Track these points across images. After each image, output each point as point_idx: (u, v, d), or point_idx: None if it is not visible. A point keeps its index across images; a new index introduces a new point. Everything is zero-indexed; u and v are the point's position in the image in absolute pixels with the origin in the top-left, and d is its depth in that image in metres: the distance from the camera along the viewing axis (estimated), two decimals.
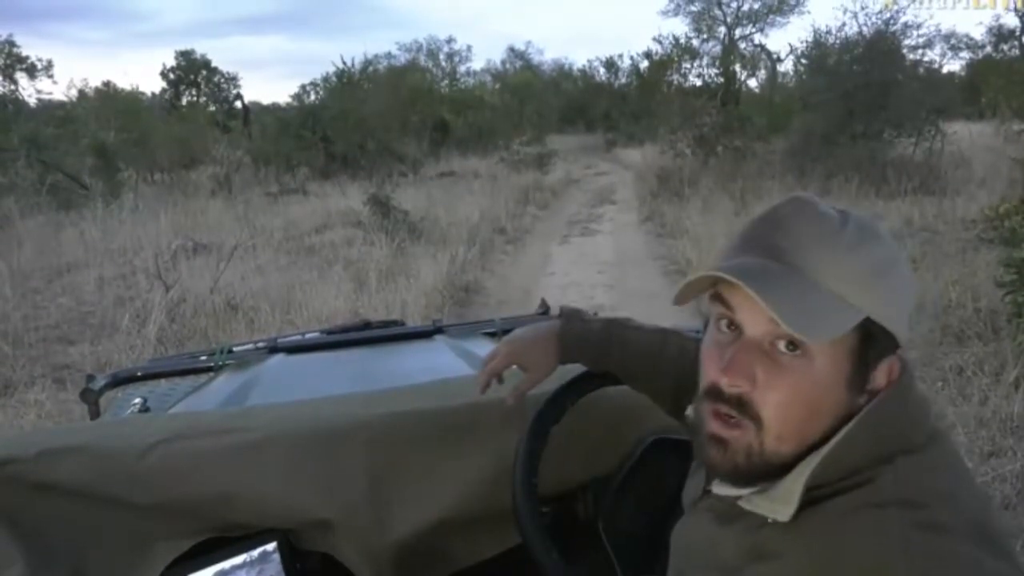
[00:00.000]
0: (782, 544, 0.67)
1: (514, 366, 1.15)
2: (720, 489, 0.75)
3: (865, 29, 13.44)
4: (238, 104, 31.25)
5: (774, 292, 0.65)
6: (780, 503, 0.67)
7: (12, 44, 21.47)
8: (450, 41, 33.68)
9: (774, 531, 0.68)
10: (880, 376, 0.69)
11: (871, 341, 0.67)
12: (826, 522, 0.65)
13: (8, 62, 21.23)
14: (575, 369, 1.16)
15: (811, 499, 0.67)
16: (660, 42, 25.47)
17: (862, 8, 13.51)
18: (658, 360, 1.08)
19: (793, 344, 0.66)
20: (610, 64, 35.19)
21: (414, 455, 1.17)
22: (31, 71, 21.84)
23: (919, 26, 13.11)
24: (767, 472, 0.69)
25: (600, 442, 1.22)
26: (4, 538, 1.03)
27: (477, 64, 35.99)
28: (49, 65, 22.23)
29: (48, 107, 18.38)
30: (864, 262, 0.66)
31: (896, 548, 0.61)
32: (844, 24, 13.81)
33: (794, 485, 0.66)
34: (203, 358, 1.96)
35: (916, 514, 0.63)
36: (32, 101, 20.09)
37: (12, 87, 21.31)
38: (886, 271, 0.67)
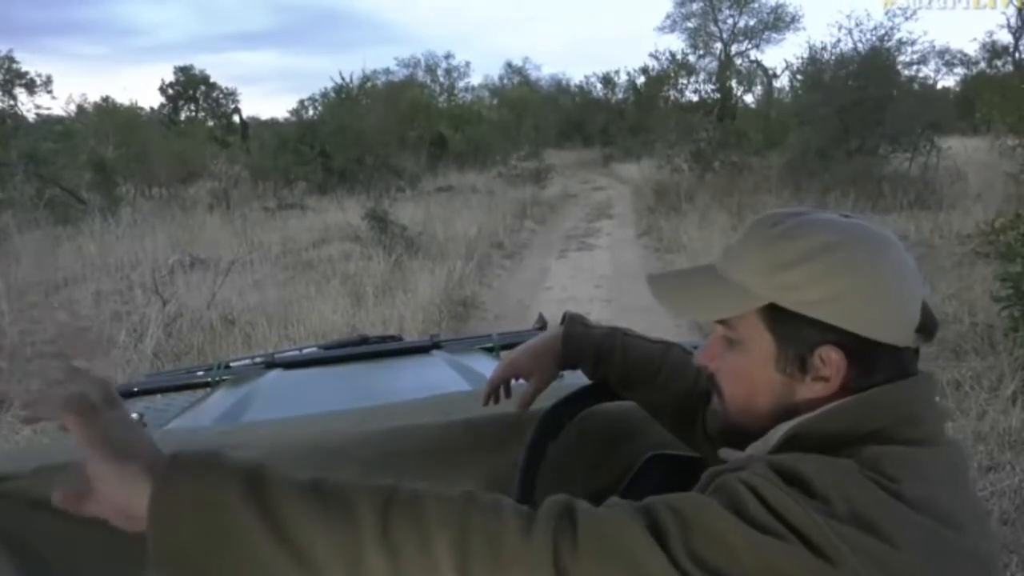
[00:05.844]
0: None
1: (520, 380, 1.16)
2: (725, 454, 0.81)
3: (860, 45, 13.56)
4: (236, 119, 31.39)
5: (667, 286, 0.84)
6: (761, 448, 0.76)
7: (11, 60, 21.57)
8: (448, 57, 33.84)
9: None
10: (819, 362, 0.72)
11: (785, 325, 0.73)
12: None
13: (7, 77, 21.31)
14: (573, 385, 1.16)
15: None
16: (657, 58, 25.75)
17: (857, 25, 13.61)
18: (659, 371, 1.09)
19: (728, 337, 0.79)
20: (607, 80, 35.38)
21: (412, 471, 1.16)
22: (30, 86, 21.92)
23: (913, 42, 13.26)
24: (736, 432, 0.81)
25: (598, 458, 1.22)
26: (1, 555, 1.03)
27: (475, 80, 36.06)
28: (48, 80, 22.33)
29: (47, 122, 18.40)
30: (774, 256, 0.73)
31: (851, 491, 0.62)
32: (839, 40, 13.91)
33: (774, 434, 0.75)
34: (200, 373, 1.96)
35: (887, 483, 0.64)
36: (31, 116, 20.14)
37: (11, 102, 21.39)
38: (800, 262, 0.71)
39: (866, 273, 0.71)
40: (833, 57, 13.92)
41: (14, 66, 21.66)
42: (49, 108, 21.42)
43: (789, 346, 0.73)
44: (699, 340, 0.93)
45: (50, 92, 22.52)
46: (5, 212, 11.83)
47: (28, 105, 21.32)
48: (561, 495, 0.67)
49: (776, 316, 0.73)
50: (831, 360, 0.71)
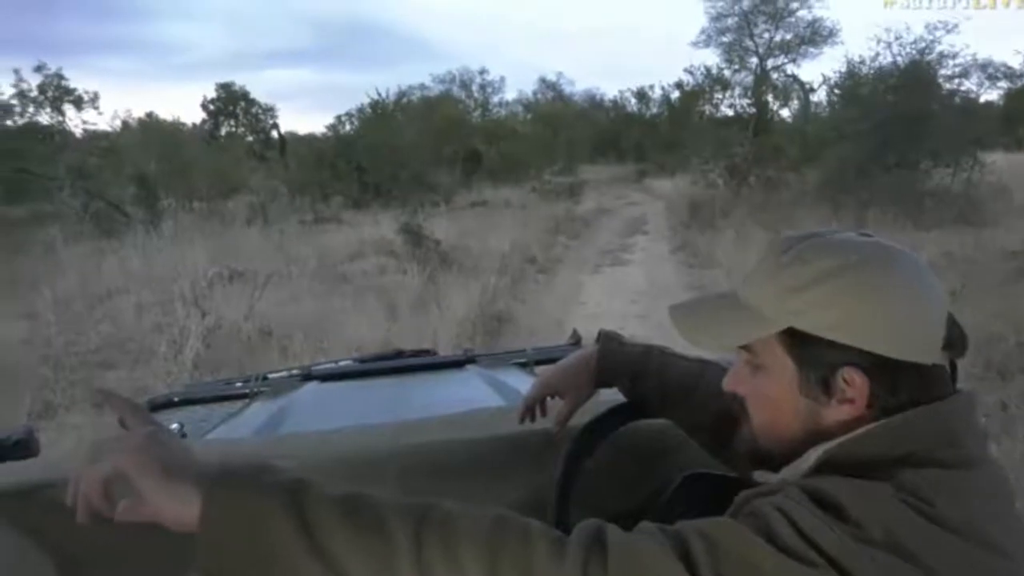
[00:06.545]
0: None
1: (556, 397, 1.16)
2: (760, 476, 0.81)
3: (900, 59, 13.36)
4: (275, 134, 31.91)
5: (687, 314, 0.83)
6: (795, 471, 0.75)
7: (60, 77, 22.17)
8: (483, 72, 34.05)
9: None
10: (842, 384, 0.71)
11: (804, 349, 0.73)
12: None
13: (56, 94, 21.91)
14: (609, 403, 1.15)
15: None
16: (691, 73, 25.65)
17: (896, 38, 13.41)
18: (695, 389, 1.08)
19: (752, 362, 0.79)
20: (641, 95, 35.30)
21: (445, 486, 1.16)
22: (78, 103, 22.50)
23: (955, 55, 13.02)
24: (764, 456, 0.80)
25: (633, 476, 1.21)
26: (44, 562, 1.05)
27: (509, 95, 36.22)
28: (95, 97, 22.87)
29: (93, 137, 18.89)
30: (787, 280, 0.73)
31: (886, 516, 0.61)
32: (878, 54, 13.74)
33: (807, 458, 0.74)
34: (238, 385, 1.99)
35: (923, 507, 0.62)
36: (78, 132, 20.69)
37: (60, 118, 21.99)
38: (812, 285, 0.71)
39: (879, 292, 0.70)
40: (872, 71, 13.75)
41: (63, 83, 22.29)
42: (95, 124, 21.95)
43: (810, 369, 0.73)
44: (736, 358, 0.92)
45: (97, 108, 23.10)
46: (52, 225, 12.17)
47: (75, 121, 21.91)
48: (592, 520, 0.68)
49: (795, 340, 0.73)
50: (854, 382, 0.70)
